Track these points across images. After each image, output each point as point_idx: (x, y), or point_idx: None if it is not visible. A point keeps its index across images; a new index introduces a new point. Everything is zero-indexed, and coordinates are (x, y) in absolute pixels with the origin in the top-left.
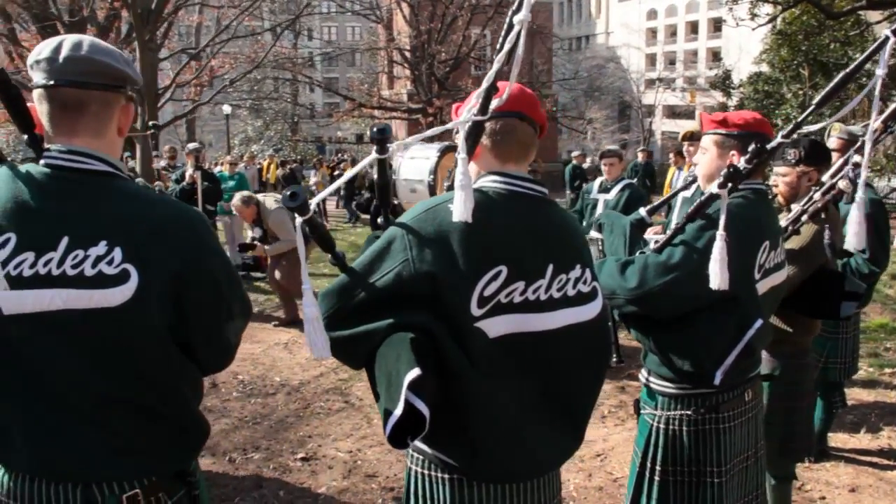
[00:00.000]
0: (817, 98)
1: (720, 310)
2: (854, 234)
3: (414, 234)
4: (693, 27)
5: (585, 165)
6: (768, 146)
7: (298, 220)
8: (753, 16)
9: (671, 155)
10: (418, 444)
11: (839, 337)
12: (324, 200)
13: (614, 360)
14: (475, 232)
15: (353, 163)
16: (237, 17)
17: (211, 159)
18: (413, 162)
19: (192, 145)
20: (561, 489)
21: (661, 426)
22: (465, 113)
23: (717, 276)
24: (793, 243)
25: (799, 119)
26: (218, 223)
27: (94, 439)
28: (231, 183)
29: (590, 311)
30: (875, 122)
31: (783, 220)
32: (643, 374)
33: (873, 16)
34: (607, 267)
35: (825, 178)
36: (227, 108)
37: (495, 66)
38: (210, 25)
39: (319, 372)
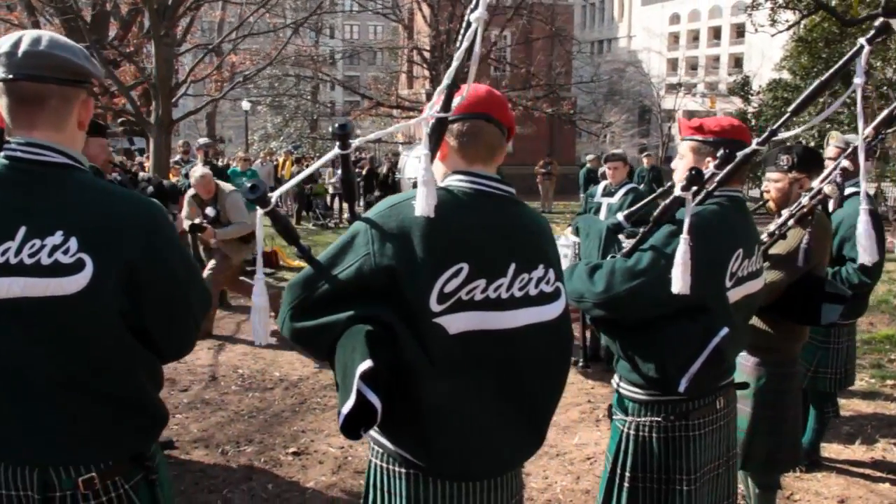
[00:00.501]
0: (793, 105)
1: (687, 316)
2: (864, 249)
3: (377, 228)
4: (716, 33)
5: (601, 170)
6: (740, 153)
7: (259, 212)
8: (773, 22)
9: None
10: (378, 437)
11: (830, 346)
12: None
13: (581, 363)
14: (437, 228)
15: (372, 161)
16: (253, 13)
17: (230, 155)
18: (418, 161)
19: (202, 140)
20: (522, 489)
21: (631, 432)
22: (428, 110)
23: (679, 280)
24: (779, 248)
25: (774, 126)
26: None
27: (51, 423)
28: (243, 179)
29: (552, 311)
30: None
31: (772, 225)
32: (615, 380)
33: None
34: (578, 270)
35: (815, 183)
36: (245, 105)
37: (454, 63)
38: (233, 22)
39: (319, 368)
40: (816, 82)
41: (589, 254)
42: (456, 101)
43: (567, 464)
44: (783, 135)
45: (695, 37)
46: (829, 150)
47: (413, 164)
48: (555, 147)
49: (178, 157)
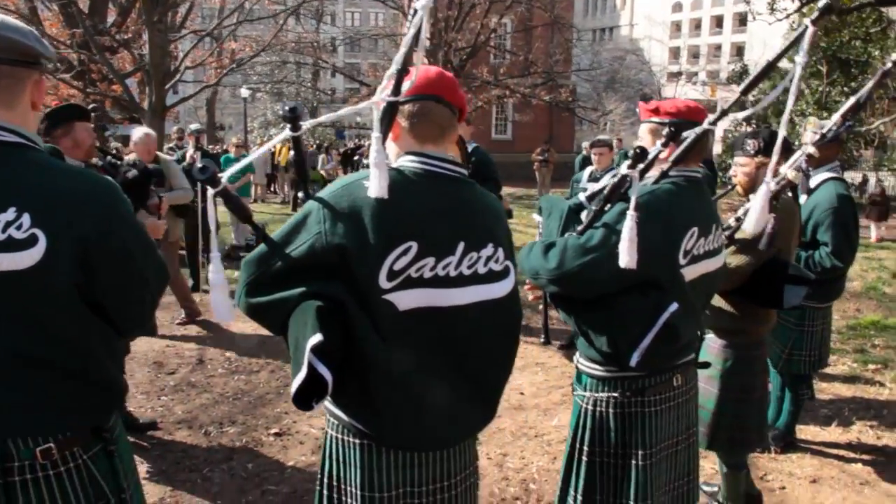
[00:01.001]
0: (742, 86)
1: (639, 292)
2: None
3: (329, 208)
4: (718, 21)
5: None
6: (689, 132)
7: (210, 191)
8: (772, 10)
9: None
10: (333, 409)
11: (804, 329)
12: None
13: (542, 339)
14: (387, 208)
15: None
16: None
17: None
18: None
19: (193, 126)
20: (476, 460)
21: (589, 408)
22: (378, 94)
23: (626, 255)
24: (743, 233)
25: (726, 108)
26: (222, 204)
27: (8, 396)
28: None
29: (500, 289)
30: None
31: (741, 209)
32: (575, 356)
33: (895, 12)
34: (535, 248)
35: (782, 168)
36: (244, 92)
37: (402, 49)
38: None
39: None
40: (765, 63)
41: (550, 233)
42: (407, 84)
43: (545, 444)
44: (738, 115)
45: (697, 25)
46: (807, 136)
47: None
48: (554, 135)
49: (172, 144)
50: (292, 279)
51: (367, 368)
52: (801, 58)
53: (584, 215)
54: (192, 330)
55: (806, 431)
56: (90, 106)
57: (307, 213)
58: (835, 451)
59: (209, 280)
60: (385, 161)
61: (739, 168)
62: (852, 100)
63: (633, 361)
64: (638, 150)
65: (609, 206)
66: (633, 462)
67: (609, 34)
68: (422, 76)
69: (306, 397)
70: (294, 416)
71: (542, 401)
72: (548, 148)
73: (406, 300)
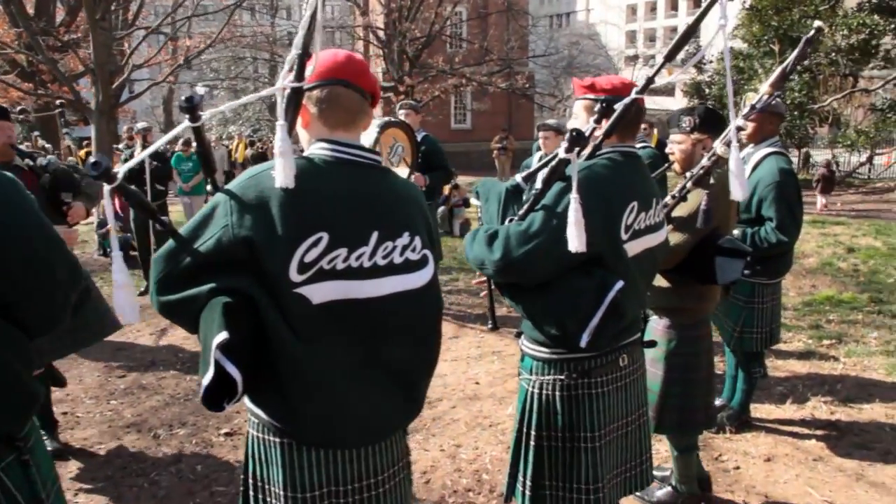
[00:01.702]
0: (665, 51)
1: (583, 272)
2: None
3: (236, 199)
4: (673, 4)
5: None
6: (617, 105)
7: (106, 188)
8: None
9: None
10: (253, 407)
11: (755, 306)
12: None
13: (489, 325)
14: (296, 198)
15: None
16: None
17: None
18: None
19: (140, 125)
20: (407, 455)
21: (535, 391)
22: (281, 80)
23: (575, 239)
24: (681, 210)
25: (650, 75)
26: (178, 204)
27: None
28: (189, 164)
29: (418, 279)
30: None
31: (676, 187)
32: (521, 340)
33: None
34: (478, 237)
35: (716, 143)
36: (200, 89)
37: (300, 32)
38: (189, 6)
39: None
40: (683, 31)
41: (490, 218)
42: (310, 69)
43: (499, 434)
44: (660, 80)
45: (652, 8)
46: (745, 111)
47: None
48: (513, 122)
49: (122, 144)
50: (202, 275)
51: (281, 365)
52: (722, 20)
53: (524, 197)
54: (145, 330)
55: (761, 410)
56: (58, 104)
57: (214, 205)
58: (789, 429)
59: (114, 280)
60: (291, 149)
61: (676, 145)
62: (778, 70)
63: (583, 342)
64: (574, 133)
65: (547, 188)
66: (582, 445)
67: (566, 20)
68: (329, 60)
69: (217, 398)
70: (245, 416)
71: (498, 389)
72: (506, 135)
73: (320, 293)
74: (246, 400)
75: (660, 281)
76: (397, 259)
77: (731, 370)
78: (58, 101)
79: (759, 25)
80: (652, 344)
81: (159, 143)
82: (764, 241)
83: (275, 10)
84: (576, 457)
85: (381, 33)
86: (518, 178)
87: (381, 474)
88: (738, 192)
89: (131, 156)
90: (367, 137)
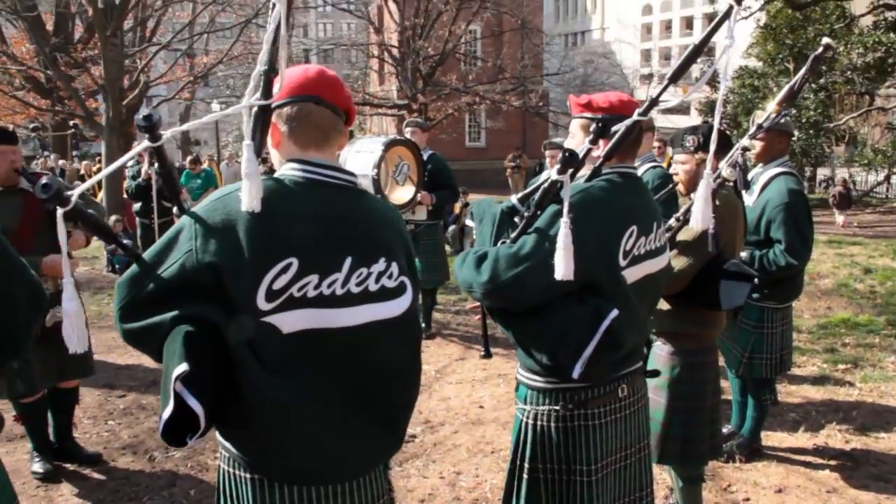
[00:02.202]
0: (668, 73)
1: (576, 299)
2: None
3: (201, 223)
4: (688, 22)
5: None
6: (619, 125)
7: (59, 211)
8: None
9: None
10: (223, 441)
11: (764, 332)
12: None
13: (483, 353)
14: (263, 221)
15: None
16: (200, 11)
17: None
18: (359, 156)
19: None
20: (389, 491)
21: (530, 421)
22: (247, 97)
23: (562, 265)
24: (685, 234)
25: (654, 96)
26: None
27: None
28: (198, 181)
29: (395, 308)
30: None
31: (682, 210)
32: (517, 368)
33: (858, 7)
34: (467, 259)
35: (721, 164)
36: (215, 106)
37: (265, 47)
38: (205, 23)
39: None
40: (690, 48)
41: (483, 240)
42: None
43: (501, 461)
44: (665, 104)
45: (667, 27)
46: (752, 130)
47: (354, 158)
48: (527, 140)
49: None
50: (166, 302)
51: (248, 397)
52: (728, 39)
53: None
54: None
55: (772, 437)
56: (32, 126)
57: (179, 229)
58: (802, 458)
59: (63, 308)
60: (257, 171)
61: (679, 166)
62: (786, 88)
63: (576, 373)
64: (567, 154)
65: (541, 211)
66: (578, 479)
67: (581, 38)
68: (300, 76)
69: (180, 432)
70: None
71: (502, 414)
72: (520, 154)
73: (290, 322)
74: (217, 432)
75: (662, 304)
76: (372, 286)
77: (736, 395)
78: (71, 123)
79: (774, 44)
80: (655, 374)
81: (119, 162)
82: (773, 264)
83: (291, 28)
84: (571, 490)
85: (395, 51)
86: (514, 199)
87: None
88: (696, 221)
89: (138, 172)
90: (371, 157)
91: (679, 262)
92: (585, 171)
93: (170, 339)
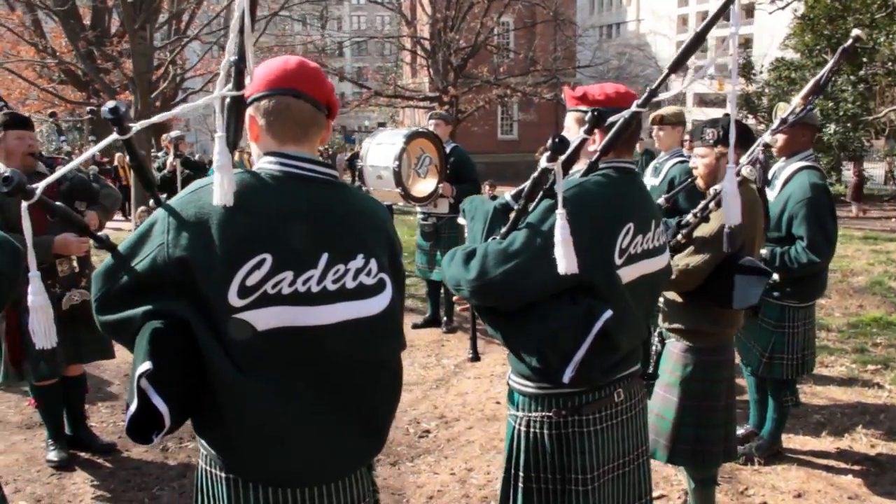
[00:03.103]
0: (670, 63)
1: (568, 299)
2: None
3: (174, 216)
4: (725, 14)
5: None
6: (616, 116)
7: (24, 204)
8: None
9: None
10: (199, 439)
11: (785, 331)
12: None
13: (470, 355)
14: (237, 216)
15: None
16: (228, 4)
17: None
18: (380, 148)
19: (172, 133)
20: (372, 493)
21: (523, 429)
22: (218, 88)
23: (563, 259)
24: (701, 231)
25: (653, 86)
26: None
27: None
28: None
29: (374, 306)
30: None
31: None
32: (508, 372)
33: None
34: (456, 257)
35: (742, 159)
36: None
37: (231, 36)
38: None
39: None
40: (692, 36)
41: (474, 237)
42: (258, 77)
43: (491, 464)
44: (663, 95)
45: (704, 18)
46: (776, 124)
47: (375, 150)
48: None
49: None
50: (139, 296)
51: (220, 395)
52: (734, 27)
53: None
54: None
55: (794, 440)
56: (88, 111)
57: (153, 221)
58: (824, 462)
59: (30, 303)
60: (230, 163)
61: (699, 159)
62: (811, 82)
63: (566, 377)
64: (557, 140)
65: (531, 204)
66: (573, 488)
67: (616, 30)
68: (279, 68)
69: (146, 429)
70: None
71: None
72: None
73: (265, 319)
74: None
75: (676, 299)
76: (350, 283)
77: (753, 394)
78: (87, 110)
79: (812, 35)
80: (653, 377)
81: (87, 154)
82: (794, 262)
83: (324, 21)
84: (567, 500)
85: (426, 43)
86: (507, 196)
87: None
88: (731, 217)
89: (164, 164)
90: (393, 148)
91: (695, 259)
92: (581, 166)
93: (139, 336)
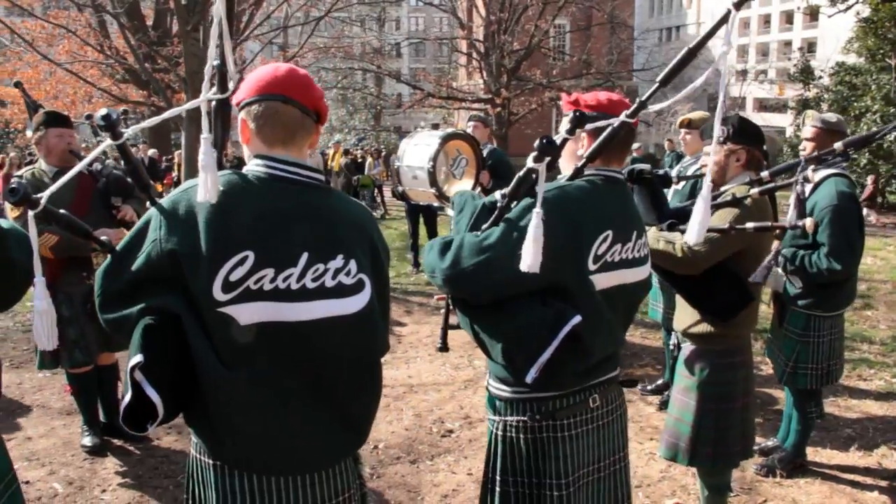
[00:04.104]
0: (661, 75)
1: (539, 301)
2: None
3: (165, 213)
4: (788, 17)
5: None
6: (601, 122)
7: (30, 213)
8: (834, 2)
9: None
10: (190, 428)
11: (810, 340)
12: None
13: (439, 344)
14: (222, 214)
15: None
16: (280, 4)
17: None
18: (416, 149)
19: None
20: (358, 486)
21: (500, 433)
22: (203, 92)
23: (529, 257)
24: (714, 220)
25: (643, 98)
26: None
27: None
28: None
29: (352, 305)
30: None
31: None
32: (487, 378)
33: None
34: (434, 246)
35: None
36: None
37: (212, 42)
38: (300, 16)
39: None
40: (685, 50)
41: (459, 229)
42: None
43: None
44: (653, 107)
45: (766, 21)
46: (806, 131)
47: (412, 151)
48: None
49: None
50: (137, 294)
51: (206, 387)
52: (725, 46)
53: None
54: None
55: (821, 454)
56: (122, 110)
57: (147, 220)
58: (849, 477)
59: (35, 306)
60: (214, 163)
61: (708, 157)
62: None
63: (530, 378)
64: (544, 141)
65: (515, 202)
66: (548, 493)
67: (676, 33)
68: (269, 74)
69: (141, 419)
70: None
71: None
72: None
73: (248, 314)
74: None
75: (685, 304)
76: (329, 282)
77: (788, 409)
78: (121, 109)
79: (875, 38)
80: (632, 384)
81: (87, 160)
82: (813, 266)
83: (382, 22)
84: None
85: (480, 46)
86: (498, 195)
87: None
88: (691, 236)
89: None
90: (428, 149)
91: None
92: (569, 171)
93: (134, 331)
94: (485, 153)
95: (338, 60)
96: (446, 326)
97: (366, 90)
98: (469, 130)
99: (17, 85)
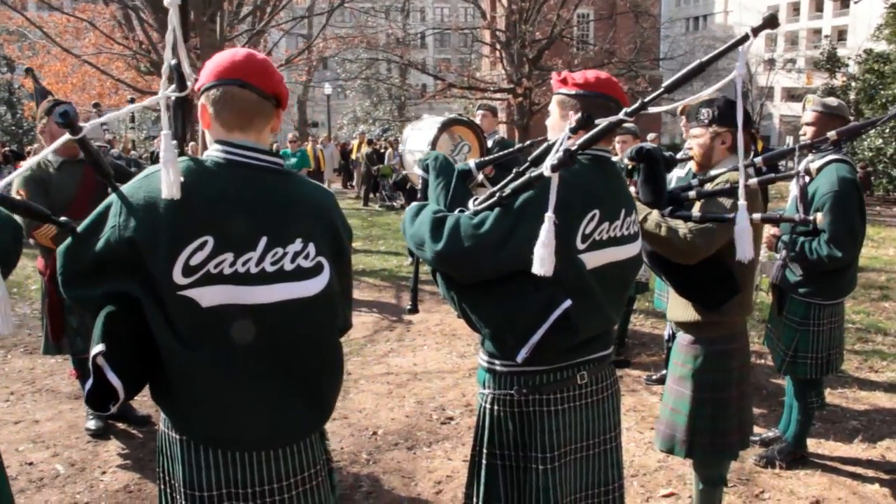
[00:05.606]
0: (667, 83)
1: (531, 285)
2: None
3: (125, 200)
4: (818, 5)
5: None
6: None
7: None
8: None
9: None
10: (157, 404)
11: (809, 329)
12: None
13: (409, 307)
14: (182, 200)
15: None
16: None
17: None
18: (419, 133)
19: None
20: (323, 462)
21: (487, 406)
22: (162, 89)
23: (541, 260)
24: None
25: (646, 100)
26: None
27: None
28: (293, 160)
29: (311, 287)
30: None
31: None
32: (479, 352)
33: None
34: (423, 217)
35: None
36: (328, 89)
37: (168, 37)
38: (324, 7)
39: None
40: (695, 63)
41: (436, 197)
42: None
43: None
44: (653, 109)
45: (795, 9)
46: (807, 115)
47: (414, 136)
48: (639, 126)
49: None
50: (98, 275)
51: (168, 367)
52: (740, 69)
53: (479, 188)
54: None
55: (824, 445)
56: (129, 98)
57: (108, 205)
58: (850, 469)
59: None
60: (175, 159)
61: (693, 140)
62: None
63: (520, 357)
64: (566, 153)
65: (510, 188)
66: (535, 466)
67: (704, 22)
68: (227, 60)
69: (104, 400)
70: None
71: None
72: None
73: (208, 297)
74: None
75: (677, 295)
76: (288, 266)
77: (789, 399)
78: (128, 97)
79: None
80: (625, 364)
81: (45, 152)
82: (813, 252)
83: (406, 13)
84: (528, 478)
85: (501, 35)
86: (472, 163)
87: (286, 479)
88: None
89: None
90: (426, 134)
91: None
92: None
93: (97, 319)
94: (491, 142)
95: (361, 50)
96: (416, 288)
97: (390, 81)
98: (477, 119)
99: (28, 71)
